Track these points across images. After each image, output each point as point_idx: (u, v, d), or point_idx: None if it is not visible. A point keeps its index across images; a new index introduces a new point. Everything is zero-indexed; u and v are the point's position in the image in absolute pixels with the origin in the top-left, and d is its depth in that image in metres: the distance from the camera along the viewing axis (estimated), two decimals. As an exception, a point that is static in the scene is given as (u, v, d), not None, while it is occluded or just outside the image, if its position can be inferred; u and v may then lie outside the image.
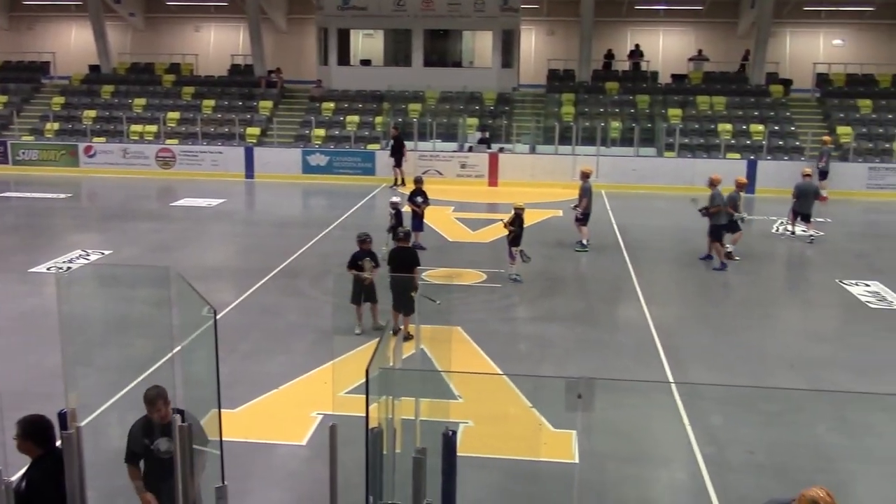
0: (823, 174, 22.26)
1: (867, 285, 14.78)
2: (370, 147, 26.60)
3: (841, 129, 26.00)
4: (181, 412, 5.63)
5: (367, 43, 32.22)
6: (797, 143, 25.84)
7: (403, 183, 24.01)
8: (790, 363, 11.11)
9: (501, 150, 26.13)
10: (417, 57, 29.73)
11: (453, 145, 26.73)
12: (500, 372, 10.52)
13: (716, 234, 16.02)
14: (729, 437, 9.01)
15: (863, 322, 13.06)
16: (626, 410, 9.46)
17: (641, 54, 31.01)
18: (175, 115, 28.58)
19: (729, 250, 16.45)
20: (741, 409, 9.62)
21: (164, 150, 26.98)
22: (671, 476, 8.40)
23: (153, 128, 27.98)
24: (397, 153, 24.69)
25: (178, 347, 7.04)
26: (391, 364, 5.57)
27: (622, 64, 31.27)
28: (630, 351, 11.51)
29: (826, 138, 23.53)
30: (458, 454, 5.32)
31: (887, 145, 25.20)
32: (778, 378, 10.64)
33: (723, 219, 16.04)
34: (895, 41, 30.38)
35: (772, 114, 27.26)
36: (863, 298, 14.08)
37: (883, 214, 21.10)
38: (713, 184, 16.33)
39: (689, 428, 9.03)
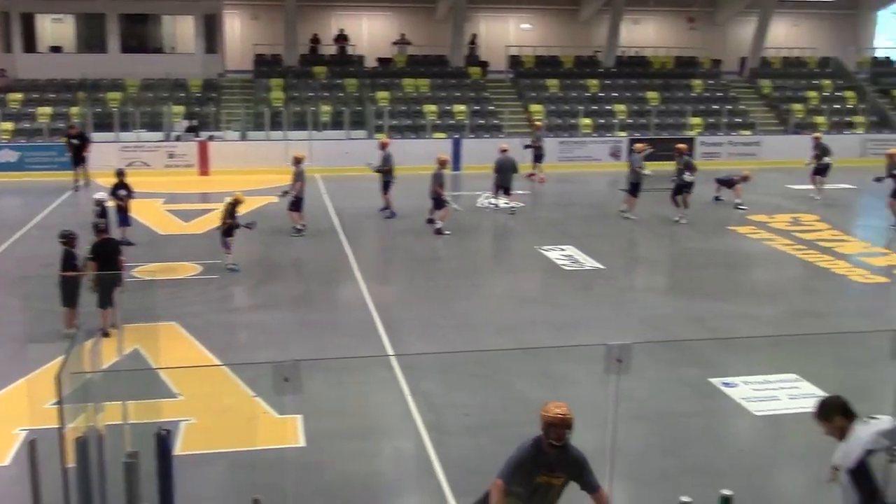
0: (538, 157, 23.43)
1: (562, 250, 16.09)
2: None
3: (533, 108, 28.01)
4: None
5: (56, 28, 29.89)
6: (496, 122, 27.49)
7: (87, 184, 22.09)
8: (500, 327, 11.87)
9: (211, 137, 25.40)
10: (114, 43, 28.08)
11: (159, 135, 25.57)
12: (219, 363, 10.31)
13: (386, 188, 18.79)
14: (446, 403, 9.48)
15: (559, 283, 14.24)
16: (350, 388, 9.66)
17: (347, 38, 31.41)
18: None
19: (439, 226, 17.21)
20: (456, 375, 10.14)
21: None
22: (395, 446, 8.70)
23: None
24: (78, 152, 22.65)
25: None
26: (89, 369, 5.29)
27: (329, 48, 31.48)
28: (351, 329, 11.73)
29: (538, 123, 24.92)
30: (181, 453, 5.23)
31: (573, 121, 27.49)
32: (489, 342, 11.33)
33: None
34: (576, 25, 33.13)
35: (472, 94, 28.75)
36: (559, 262, 15.32)
37: (573, 185, 23.02)
38: (383, 146, 19.36)
39: (409, 398, 9.39)
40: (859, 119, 29.18)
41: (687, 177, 18.54)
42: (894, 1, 34.85)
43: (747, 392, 9.61)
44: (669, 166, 25.99)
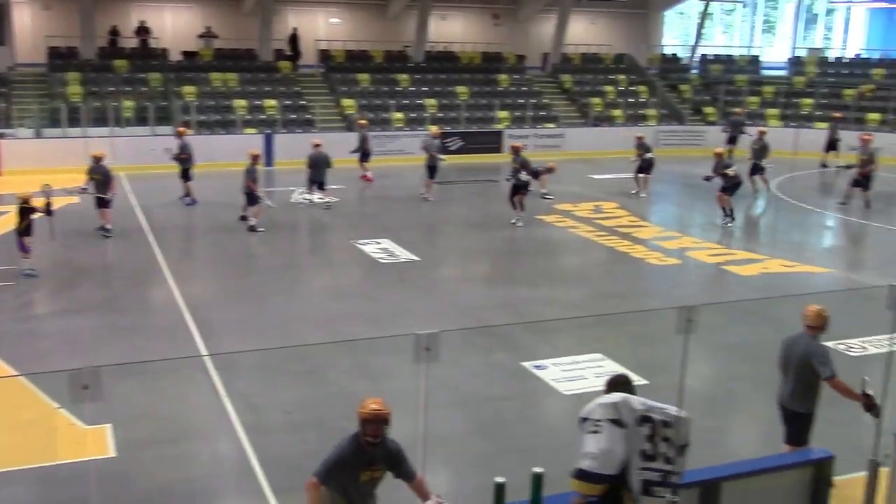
0: (365, 155, 23.10)
1: (378, 243, 16.22)
2: None
3: (345, 102, 27.98)
4: None
5: None
6: (308, 116, 27.26)
7: None
8: (317, 322, 11.83)
9: (2, 136, 23.69)
10: None
11: (-60, 134, 23.59)
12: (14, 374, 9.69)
13: (186, 177, 19.21)
14: (266, 402, 9.37)
15: (376, 276, 14.37)
16: (163, 393, 9.36)
17: (149, 31, 30.13)
18: None
19: (252, 223, 16.90)
20: (275, 373, 10.03)
21: None
22: (212, 450, 8.50)
23: None
24: None
25: None
26: None
27: (130, 41, 30.08)
28: (162, 332, 11.35)
29: (362, 121, 24.68)
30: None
31: (385, 115, 27.70)
32: (306, 337, 11.28)
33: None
34: (385, 20, 33.33)
35: (283, 89, 28.35)
36: (375, 255, 15.44)
37: (388, 178, 23.19)
38: (180, 135, 20.09)
39: (226, 400, 9.21)
40: (651, 112, 31.08)
41: (523, 176, 18.13)
42: (679, 2, 37.33)
43: (557, 373, 10.09)
44: (481, 159, 26.89)
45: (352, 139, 24.29)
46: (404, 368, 7.10)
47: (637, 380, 9.71)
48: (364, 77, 29.63)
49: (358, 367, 10.29)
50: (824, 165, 26.21)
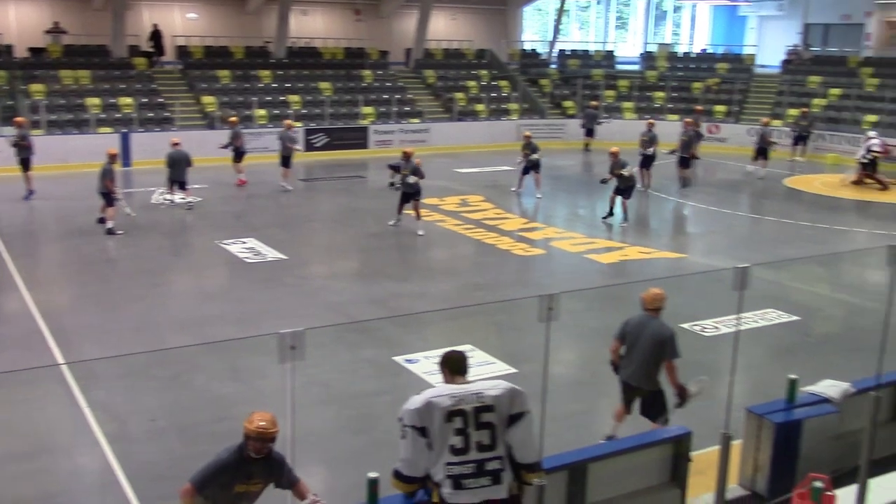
0: (239, 154, 22.10)
1: (244, 242, 15.92)
2: None
3: (206, 99, 27.28)
4: None
5: None
6: (167, 115, 26.44)
7: None
8: (182, 325, 11.52)
9: None
10: None
11: None
12: None
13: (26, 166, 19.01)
14: (129, 410, 9.06)
15: (242, 277, 14.10)
16: (17, 406, 8.90)
17: (-10, 26, 28.48)
18: None
19: (110, 226, 16.28)
20: (138, 380, 9.71)
21: None
22: (74, 463, 8.16)
23: None
24: None
25: None
26: None
27: (-32, 37, 28.36)
28: (14, 342, 10.79)
29: (233, 118, 23.78)
30: None
31: (248, 112, 27.17)
32: (171, 341, 10.97)
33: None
34: (244, 15, 32.65)
35: (139, 86, 27.38)
36: (241, 255, 15.15)
37: (251, 176, 22.74)
38: (19, 125, 19.92)
39: (87, 410, 8.85)
40: (514, 106, 31.71)
41: (410, 180, 17.08)
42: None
43: (429, 366, 10.16)
44: (346, 155, 26.77)
45: (213, 137, 23.71)
46: (275, 368, 7.04)
47: (506, 368, 9.98)
48: (224, 73, 28.97)
49: (226, 369, 10.08)
50: (694, 157, 27.24)
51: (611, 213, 18.26)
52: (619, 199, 18.14)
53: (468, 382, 5.05)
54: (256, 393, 9.17)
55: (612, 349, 8.03)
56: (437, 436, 4.86)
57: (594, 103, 30.69)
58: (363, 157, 27.30)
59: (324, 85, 29.83)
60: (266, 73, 29.72)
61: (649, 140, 21.96)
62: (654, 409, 7.83)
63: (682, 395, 7.66)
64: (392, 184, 21.67)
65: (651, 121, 24.10)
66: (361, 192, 22.86)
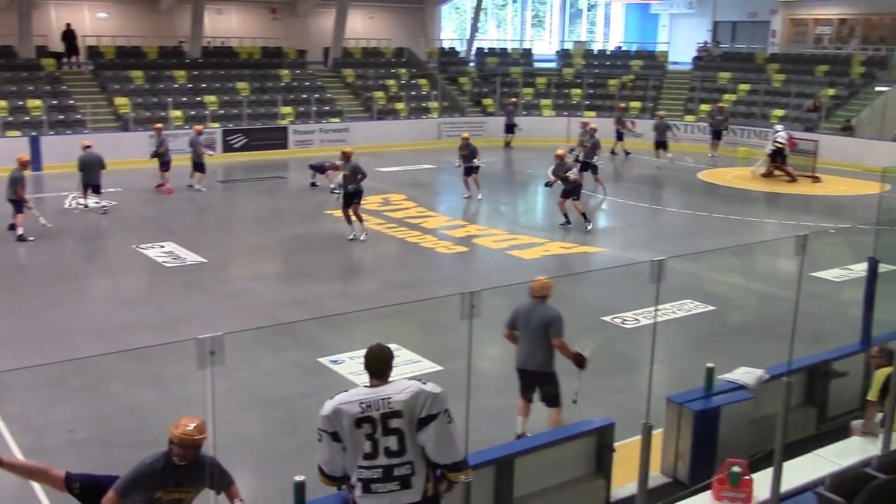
0: (165, 166, 21.29)
1: (162, 246, 15.61)
2: None
3: (119, 100, 26.62)
4: None
5: None
6: (78, 117, 25.72)
7: None
8: (100, 332, 11.23)
9: None
10: None
11: None
12: None
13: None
14: (46, 422, 8.81)
15: (161, 281, 13.82)
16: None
17: None
18: None
19: (21, 232, 15.78)
20: (56, 390, 9.44)
21: None
22: (-11, 478, 7.88)
23: None
24: None
25: None
26: None
27: None
28: (-79, 358, 10.35)
29: (158, 125, 23.20)
30: None
31: (163, 113, 26.61)
32: (89, 350, 10.67)
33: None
34: (157, 15, 31.96)
35: (48, 88, 26.57)
36: (159, 259, 14.84)
37: (170, 179, 22.29)
38: None
39: (2, 424, 8.56)
40: (433, 105, 31.80)
41: (351, 189, 16.22)
42: (454, -3, 38.43)
43: (354, 366, 10.14)
44: (266, 156, 26.45)
45: (127, 140, 23.20)
46: (196, 374, 6.95)
47: (432, 366, 10.02)
48: (138, 74, 28.33)
49: (146, 376, 9.87)
50: (613, 153, 27.85)
51: (567, 221, 17.58)
52: (569, 203, 17.55)
53: (386, 383, 5.03)
54: (178, 400, 9.01)
55: (506, 335, 8.35)
56: (349, 440, 4.91)
57: (513, 100, 31.01)
58: (283, 158, 27.02)
59: (241, 85, 29.42)
60: (181, 73, 29.16)
61: (592, 147, 21.17)
62: (551, 393, 8.09)
63: (580, 361, 7.97)
64: (314, 184, 21.53)
65: (593, 126, 23.19)
66: (282, 192, 22.64)
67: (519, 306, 8.25)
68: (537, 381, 8.17)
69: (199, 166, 21.09)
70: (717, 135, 28.21)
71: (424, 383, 5.05)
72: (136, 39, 30.11)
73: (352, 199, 16.34)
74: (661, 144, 25.80)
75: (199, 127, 22.72)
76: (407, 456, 4.91)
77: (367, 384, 5.09)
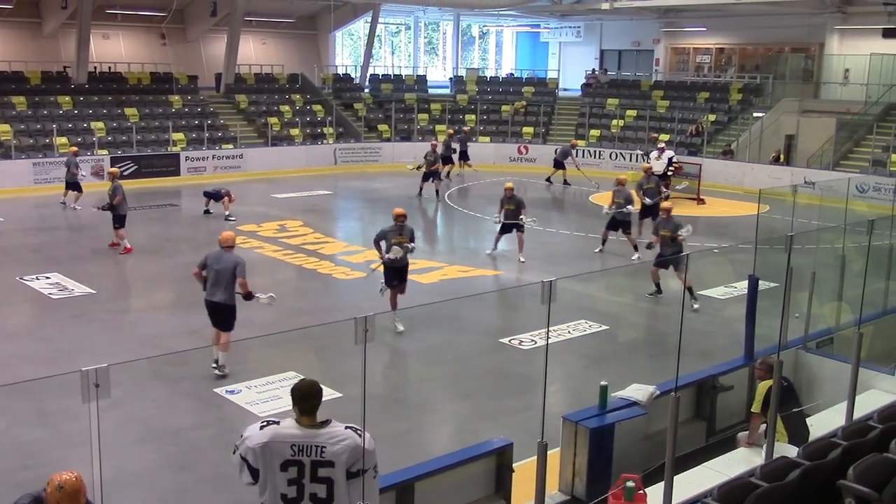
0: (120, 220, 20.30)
1: (48, 277, 15.05)
2: None
3: (0, 127, 25.59)
4: None
5: None
6: (-45, 144, 24.62)
7: None
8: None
9: None
10: None
11: None
12: None
13: None
14: (-77, 464, 8.36)
15: (49, 313, 13.32)
16: None
17: None
18: None
19: None
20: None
21: None
22: None
23: None
24: None
25: None
26: None
27: None
28: None
29: (73, 148, 22.57)
30: None
31: (47, 140, 25.72)
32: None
33: None
34: (40, 39, 30.89)
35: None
36: (45, 291, 14.31)
37: (52, 208, 21.55)
38: None
39: None
40: (329, 130, 31.73)
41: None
42: (346, 24, 38.44)
43: (252, 396, 10.00)
44: (157, 183, 25.84)
45: (9, 167, 22.24)
46: (85, 409, 6.75)
47: (331, 393, 9.94)
48: (20, 100, 27.31)
49: (35, 412, 9.48)
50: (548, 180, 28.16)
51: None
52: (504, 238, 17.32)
53: (318, 425, 4.81)
54: (65, 436, 8.69)
55: (196, 273, 10.69)
56: (269, 481, 4.74)
57: (466, 128, 31.14)
58: (176, 185, 26.46)
59: (129, 111, 28.71)
60: (66, 98, 28.27)
61: (624, 201, 17.59)
62: (228, 320, 10.62)
63: (249, 298, 10.55)
64: (207, 211, 21.15)
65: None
66: (175, 220, 22.17)
67: (209, 253, 10.70)
68: (219, 312, 10.61)
69: (73, 186, 21.36)
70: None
71: (359, 434, 4.83)
72: (18, 64, 29.04)
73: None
74: (558, 165, 26.99)
75: (74, 148, 23.08)
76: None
77: (296, 419, 4.84)
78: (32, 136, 25.96)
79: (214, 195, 21.24)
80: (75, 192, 21.32)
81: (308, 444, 4.71)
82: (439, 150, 25.69)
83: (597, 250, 17.93)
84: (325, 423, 4.83)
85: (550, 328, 12.22)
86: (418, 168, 24.31)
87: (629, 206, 17.27)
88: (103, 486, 5.48)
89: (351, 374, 10.11)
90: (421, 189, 24.34)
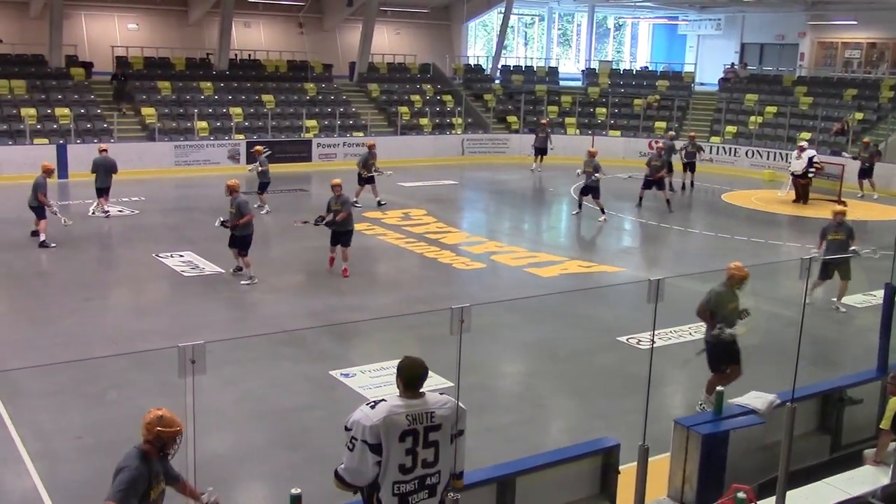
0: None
1: (181, 255, 15.70)
2: None
3: (146, 111, 26.88)
4: None
5: None
6: (105, 126, 25.99)
7: None
8: (114, 340, 11.29)
9: None
10: None
11: None
12: None
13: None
14: (56, 428, 8.85)
15: (179, 290, 13.88)
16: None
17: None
18: None
19: (43, 239, 15.94)
20: (66, 397, 9.49)
21: None
22: (-4, 482, 7.93)
23: None
24: None
25: None
26: None
27: None
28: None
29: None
30: None
31: (189, 124, 26.86)
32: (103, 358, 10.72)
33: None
34: (185, 26, 32.29)
35: (76, 97, 26.89)
36: (178, 268, 14.93)
37: (191, 189, 22.48)
38: None
39: (12, 428, 8.61)
40: (458, 121, 31.85)
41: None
42: (480, 15, 38.46)
43: (365, 380, 10.12)
44: (290, 168, 26.59)
45: (154, 149, 23.24)
46: (208, 381, 7.02)
47: (443, 382, 9.96)
48: (165, 85, 28.60)
49: (158, 383, 9.88)
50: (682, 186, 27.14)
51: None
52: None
53: (419, 396, 4.99)
54: (185, 408, 9.00)
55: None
56: (390, 453, 4.84)
57: (544, 121, 29.91)
58: (307, 171, 27.15)
59: (266, 97, 29.63)
60: (208, 84, 29.42)
61: (593, 169, 20.25)
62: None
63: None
64: (307, 221, 20.65)
65: (660, 146, 23.77)
66: (305, 205, 22.70)
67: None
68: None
69: (38, 211, 16.16)
70: (865, 173, 25.27)
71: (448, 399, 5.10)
72: (165, 51, 30.44)
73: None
74: (688, 166, 25.49)
75: (48, 164, 17.24)
76: (438, 466, 4.98)
77: (400, 395, 5.00)
78: (175, 119, 27.14)
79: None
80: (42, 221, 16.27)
81: (419, 412, 4.91)
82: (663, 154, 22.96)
83: (574, 212, 20.99)
84: (423, 394, 5.04)
85: (672, 329, 11.91)
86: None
87: (597, 174, 20.00)
88: (219, 459, 5.65)
89: (463, 362, 10.14)
90: (641, 198, 22.23)
